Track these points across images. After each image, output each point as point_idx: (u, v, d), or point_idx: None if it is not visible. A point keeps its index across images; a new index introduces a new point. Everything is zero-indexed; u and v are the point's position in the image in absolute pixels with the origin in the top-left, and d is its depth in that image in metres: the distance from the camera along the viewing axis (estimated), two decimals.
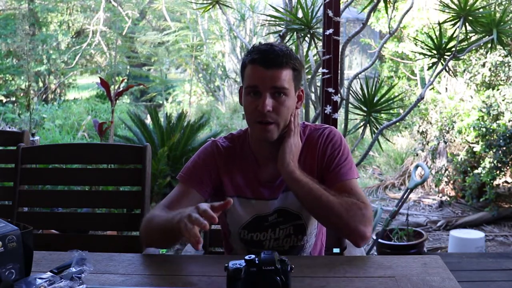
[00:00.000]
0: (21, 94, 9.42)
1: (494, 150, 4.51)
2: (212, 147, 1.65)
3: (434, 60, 3.18)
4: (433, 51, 3.16)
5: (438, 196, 5.17)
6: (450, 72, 3.33)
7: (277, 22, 3.29)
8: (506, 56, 4.69)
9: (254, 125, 1.55)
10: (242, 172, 1.62)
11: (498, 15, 3.10)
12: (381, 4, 3.06)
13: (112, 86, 5.12)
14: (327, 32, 2.73)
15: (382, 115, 3.20)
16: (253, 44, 1.58)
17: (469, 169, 4.89)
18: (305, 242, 1.64)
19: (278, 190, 1.61)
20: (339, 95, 2.81)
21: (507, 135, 4.40)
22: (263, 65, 1.49)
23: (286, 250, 1.62)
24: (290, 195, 1.60)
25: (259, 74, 1.50)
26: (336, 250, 1.92)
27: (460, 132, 4.83)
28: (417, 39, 4.84)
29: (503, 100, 4.65)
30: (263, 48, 1.53)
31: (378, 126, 3.14)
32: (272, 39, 6.18)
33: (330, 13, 2.71)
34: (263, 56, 1.50)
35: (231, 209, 1.62)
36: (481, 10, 3.17)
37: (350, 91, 3.20)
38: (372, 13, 3.19)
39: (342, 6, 2.87)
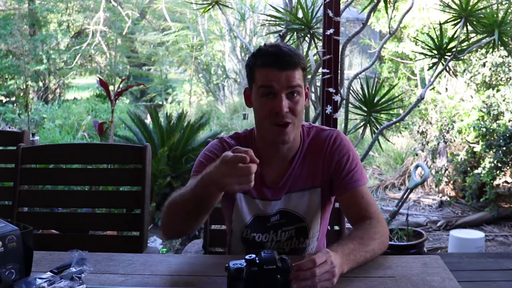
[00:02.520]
0: (21, 94, 9.43)
1: (494, 150, 4.51)
2: (222, 143, 1.64)
3: (435, 60, 3.18)
4: (433, 51, 3.16)
5: (438, 196, 5.17)
6: (451, 72, 3.32)
7: (277, 22, 3.29)
8: (506, 56, 4.69)
9: (270, 127, 1.53)
10: None
11: (499, 15, 3.10)
12: (381, 4, 3.06)
13: (112, 86, 5.13)
14: (327, 32, 2.73)
15: (382, 115, 3.20)
16: (259, 47, 1.56)
17: (469, 169, 4.89)
18: (307, 245, 1.64)
19: (281, 191, 1.60)
20: (339, 95, 2.82)
21: (507, 135, 4.40)
22: (278, 67, 1.48)
23: (287, 252, 1.62)
24: (293, 197, 1.60)
25: (274, 76, 1.48)
26: None
27: (460, 132, 4.83)
28: (417, 39, 4.84)
29: (503, 100, 4.65)
30: (274, 50, 1.51)
31: (378, 126, 3.14)
32: (272, 39, 6.18)
33: (330, 13, 2.70)
34: (276, 58, 1.49)
35: (238, 205, 1.62)
36: (482, 10, 3.17)
37: (350, 91, 3.20)
38: (372, 13, 3.19)
39: (342, 6, 2.87)
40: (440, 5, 3.17)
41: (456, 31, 3.07)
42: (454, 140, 5.07)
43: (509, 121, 4.51)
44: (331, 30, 2.72)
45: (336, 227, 1.96)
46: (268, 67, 1.49)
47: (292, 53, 1.51)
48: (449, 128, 4.98)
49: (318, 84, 3.19)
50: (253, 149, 1.61)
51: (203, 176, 1.39)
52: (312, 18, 3.03)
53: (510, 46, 3.17)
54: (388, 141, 4.58)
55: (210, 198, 1.40)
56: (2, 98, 9.46)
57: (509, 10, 3.09)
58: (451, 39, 3.10)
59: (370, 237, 1.44)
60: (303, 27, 3.07)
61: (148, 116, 5.92)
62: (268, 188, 1.61)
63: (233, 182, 1.33)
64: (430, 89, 5.13)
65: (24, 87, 8.55)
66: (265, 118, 1.53)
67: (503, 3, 4.11)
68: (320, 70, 2.87)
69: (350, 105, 3.29)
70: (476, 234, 4.04)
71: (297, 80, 1.50)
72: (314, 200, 1.61)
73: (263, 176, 1.61)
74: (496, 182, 4.64)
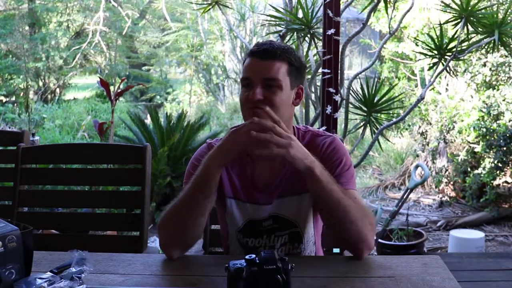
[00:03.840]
0: (21, 94, 9.43)
1: (495, 150, 4.51)
2: (210, 149, 1.60)
3: (435, 60, 3.18)
4: (434, 51, 3.16)
5: (438, 196, 5.17)
6: (451, 72, 3.32)
7: (277, 22, 3.29)
8: (507, 56, 4.69)
9: (247, 117, 1.53)
10: (238, 175, 1.61)
11: (500, 16, 3.09)
12: (381, 4, 3.05)
13: (112, 86, 5.13)
14: (328, 32, 2.73)
15: (382, 115, 3.20)
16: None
17: (469, 169, 4.89)
18: (302, 250, 1.62)
19: (273, 195, 1.59)
20: (339, 95, 2.82)
21: (507, 135, 4.40)
22: (258, 57, 1.52)
23: None
24: (286, 201, 1.59)
25: (253, 65, 1.52)
26: (336, 250, 1.92)
27: (460, 132, 4.83)
28: (418, 39, 4.84)
29: (503, 100, 4.65)
30: (263, 42, 1.57)
31: (378, 126, 3.14)
32: (272, 39, 6.18)
33: (330, 13, 2.71)
34: (259, 48, 1.53)
35: (229, 210, 1.62)
36: (482, 11, 3.17)
37: (350, 91, 3.20)
38: (372, 13, 3.19)
39: (342, 6, 2.87)
40: (440, 5, 3.17)
41: (456, 31, 3.07)
42: (454, 140, 5.08)
43: (509, 121, 4.51)
44: (332, 30, 2.72)
45: None
46: (251, 56, 1.54)
47: (280, 47, 1.53)
48: (449, 128, 4.98)
49: (318, 84, 3.19)
50: (243, 152, 1.61)
51: (204, 161, 1.46)
52: (312, 18, 3.03)
53: (511, 46, 3.16)
54: (388, 141, 4.58)
55: (211, 180, 1.43)
56: (2, 98, 9.46)
57: (509, 11, 3.09)
58: (452, 39, 3.10)
59: (355, 201, 1.47)
60: (303, 27, 3.07)
61: (148, 116, 5.92)
62: (260, 192, 1.59)
63: (243, 140, 1.39)
64: (430, 90, 5.13)
65: (24, 87, 8.53)
66: (243, 107, 1.55)
67: (504, 3, 4.11)
68: (320, 70, 2.87)
69: (350, 105, 3.29)
70: (476, 234, 4.04)
71: (275, 71, 1.50)
72: (306, 204, 1.59)
73: (254, 179, 1.60)
74: (496, 182, 4.64)
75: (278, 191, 1.59)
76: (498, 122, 4.58)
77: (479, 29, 3.06)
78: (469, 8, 2.98)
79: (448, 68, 3.14)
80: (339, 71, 2.84)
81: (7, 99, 9.46)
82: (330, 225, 1.53)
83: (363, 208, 1.49)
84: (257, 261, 1.21)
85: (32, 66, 9.66)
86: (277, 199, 1.59)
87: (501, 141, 4.43)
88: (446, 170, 5.11)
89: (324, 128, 2.75)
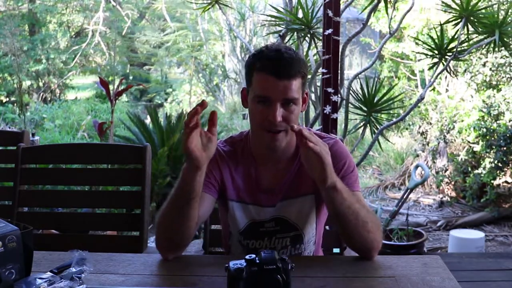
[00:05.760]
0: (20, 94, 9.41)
1: (495, 150, 4.51)
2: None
3: (435, 60, 3.18)
4: (434, 51, 3.16)
5: (438, 196, 5.17)
6: (451, 72, 3.32)
7: (277, 22, 3.29)
8: (507, 56, 4.69)
9: (262, 133, 1.53)
10: (242, 176, 1.61)
11: (500, 16, 3.09)
12: (381, 4, 3.05)
13: (112, 86, 5.12)
14: (327, 32, 2.73)
15: (382, 115, 3.20)
16: (261, 48, 1.54)
17: (469, 169, 4.89)
18: (303, 250, 1.63)
19: (276, 197, 1.59)
20: (339, 95, 2.82)
21: (508, 135, 4.40)
22: (275, 76, 1.46)
23: None
24: (289, 204, 1.59)
25: (270, 84, 1.47)
26: (336, 250, 1.92)
27: (460, 132, 4.83)
28: (418, 39, 4.84)
29: (503, 100, 4.64)
30: (274, 56, 1.48)
31: (378, 126, 3.14)
32: (272, 39, 6.18)
33: (330, 13, 2.71)
34: (274, 65, 1.47)
35: (231, 212, 1.62)
36: (483, 11, 3.16)
37: (350, 91, 3.20)
38: (372, 13, 3.19)
39: (342, 6, 2.87)
40: (441, 5, 3.17)
41: (456, 31, 3.06)
42: (455, 140, 5.07)
43: (510, 121, 4.51)
44: (331, 30, 2.72)
45: None
46: (265, 73, 1.47)
47: (293, 61, 1.47)
48: (449, 128, 4.98)
49: (318, 84, 3.19)
50: (248, 152, 1.61)
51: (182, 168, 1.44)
52: (312, 18, 3.03)
53: (511, 46, 3.15)
54: (388, 141, 4.58)
55: (191, 182, 1.40)
56: (2, 98, 9.45)
57: (510, 11, 3.08)
58: (452, 39, 3.09)
59: (369, 210, 1.49)
60: (303, 27, 3.07)
61: (148, 116, 5.92)
62: (263, 194, 1.60)
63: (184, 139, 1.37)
64: (431, 90, 5.12)
65: (19, 86, 8.53)
66: (258, 125, 1.53)
67: (504, 3, 4.11)
68: (320, 70, 2.87)
69: (350, 105, 3.28)
70: (476, 234, 4.04)
71: (294, 91, 1.48)
72: (309, 207, 1.60)
73: (258, 180, 1.60)
74: (496, 182, 4.64)
75: (282, 194, 1.59)
76: (498, 122, 4.58)
77: (480, 29, 3.05)
78: (470, 8, 2.98)
79: (448, 68, 3.14)
80: (338, 71, 2.84)
81: (7, 99, 9.45)
82: (346, 235, 1.50)
83: (375, 214, 1.50)
84: (257, 261, 1.21)
85: (33, 69, 9.64)
86: (280, 201, 1.59)
87: (501, 141, 4.43)
88: (446, 170, 5.11)
89: (320, 127, 2.76)
